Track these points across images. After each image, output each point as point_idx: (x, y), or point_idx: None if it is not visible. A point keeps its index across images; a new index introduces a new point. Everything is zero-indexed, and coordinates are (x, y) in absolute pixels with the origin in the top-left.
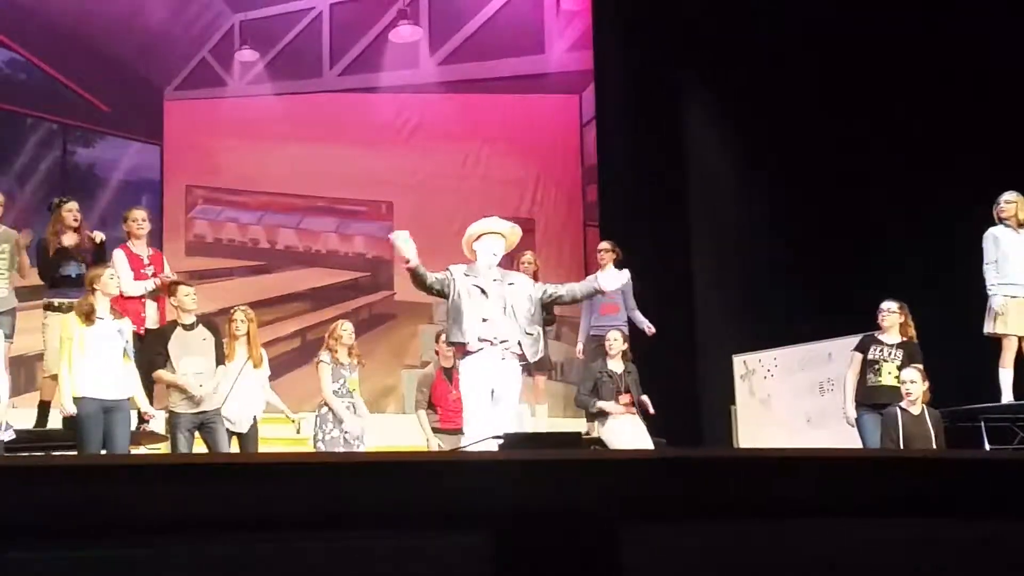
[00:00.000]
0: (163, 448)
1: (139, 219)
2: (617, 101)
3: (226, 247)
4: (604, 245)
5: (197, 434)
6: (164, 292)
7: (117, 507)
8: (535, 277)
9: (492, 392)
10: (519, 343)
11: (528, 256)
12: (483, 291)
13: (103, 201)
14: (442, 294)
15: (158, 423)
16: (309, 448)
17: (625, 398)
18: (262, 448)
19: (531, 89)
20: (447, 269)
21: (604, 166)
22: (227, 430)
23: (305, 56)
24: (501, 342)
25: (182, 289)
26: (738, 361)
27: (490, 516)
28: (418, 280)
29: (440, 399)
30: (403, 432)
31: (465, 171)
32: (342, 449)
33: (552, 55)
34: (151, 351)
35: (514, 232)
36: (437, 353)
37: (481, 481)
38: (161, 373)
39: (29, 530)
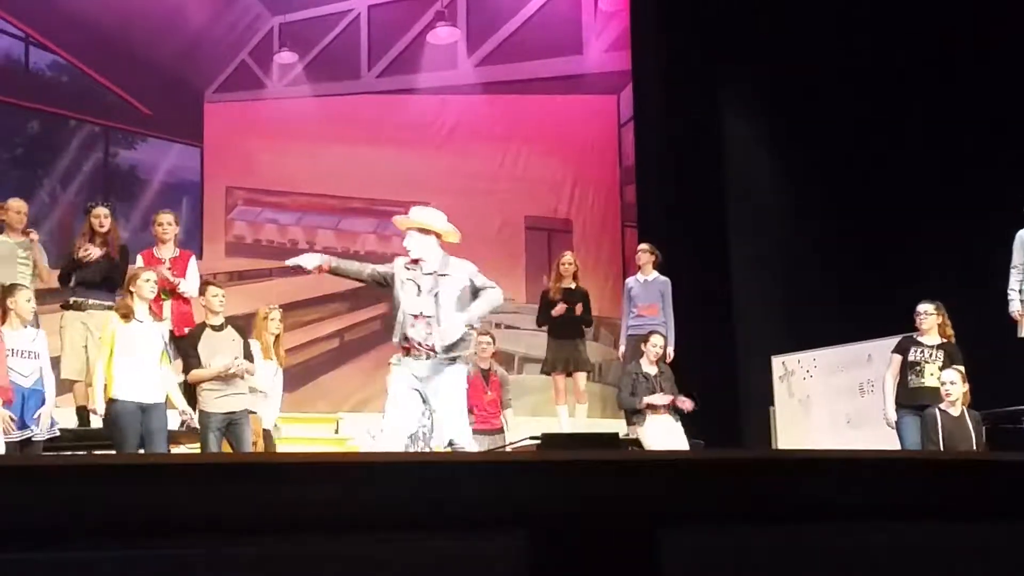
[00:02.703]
0: (199, 447)
1: (163, 223)
2: (655, 101)
3: (265, 248)
4: (643, 247)
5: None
6: (171, 297)
7: (148, 507)
8: (575, 278)
9: (423, 396)
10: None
11: (568, 257)
12: (418, 286)
13: (144, 202)
14: (382, 284)
15: (193, 422)
16: (350, 448)
17: (660, 399)
18: (299, 448)
19: (569, 90)
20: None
21: (642, 166)
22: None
23: (343, 58)
24: (429, 346)
25: (210, 290)
26: (777, 362)
27: (526, 517)
28: (342, 274)
29: (476, 400)
30: None
31: (503, 172)
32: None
33: (590, 56)
34: (183, 353)
35: (446, 230)
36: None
37: (517, 482)
38: (196, 372)
39: (53, 531)
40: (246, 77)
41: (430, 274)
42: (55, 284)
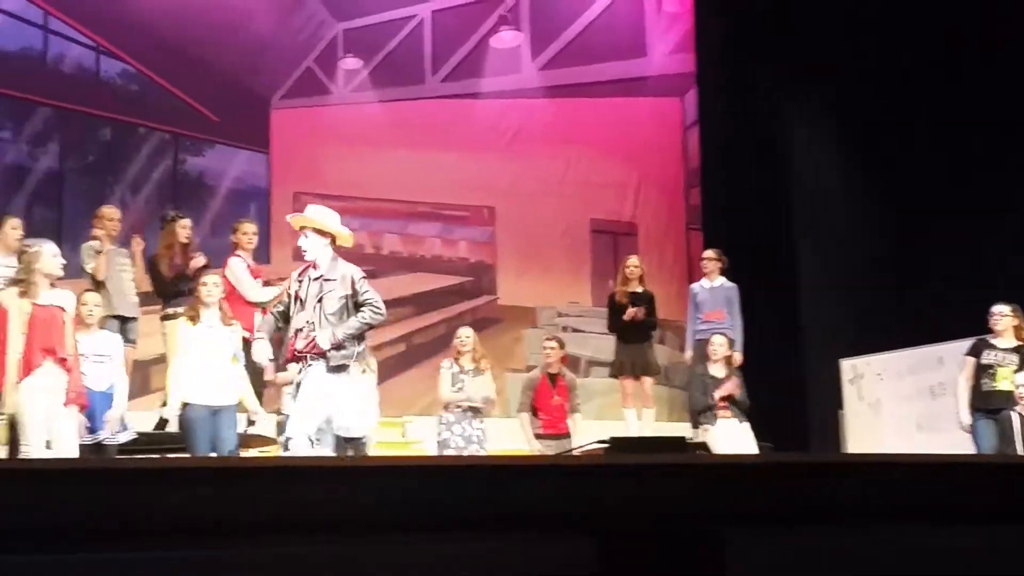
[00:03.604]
0: (272, 450)
1: (250, 232)
2: (720, 103)
3: None
4: (709, 254)
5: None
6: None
7: (208, 509)
8: (640, 281)
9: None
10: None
11: (633, 260)
12: (300, 299)
13: (212, 209)
14: (288, 314)
15: (267, 426)
16: (416, 451)
17: (723, 390)
18: (369, 451)
19: (633, 92)
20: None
21: (707, 169)
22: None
23: (408, 63)
24: (308, 351)
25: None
26: (846, 365)
27: (593, 520)
28: (269, 333)
29: (543, 404)
30: (508, 436)
31: (567, 175)
32: (451, 451)
33: (654, 58)
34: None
35: (340, 233)
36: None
37: (585, 485)
38: (281, 375)
39: (121, 531)
40: (312, 83)
41: (317, 279)
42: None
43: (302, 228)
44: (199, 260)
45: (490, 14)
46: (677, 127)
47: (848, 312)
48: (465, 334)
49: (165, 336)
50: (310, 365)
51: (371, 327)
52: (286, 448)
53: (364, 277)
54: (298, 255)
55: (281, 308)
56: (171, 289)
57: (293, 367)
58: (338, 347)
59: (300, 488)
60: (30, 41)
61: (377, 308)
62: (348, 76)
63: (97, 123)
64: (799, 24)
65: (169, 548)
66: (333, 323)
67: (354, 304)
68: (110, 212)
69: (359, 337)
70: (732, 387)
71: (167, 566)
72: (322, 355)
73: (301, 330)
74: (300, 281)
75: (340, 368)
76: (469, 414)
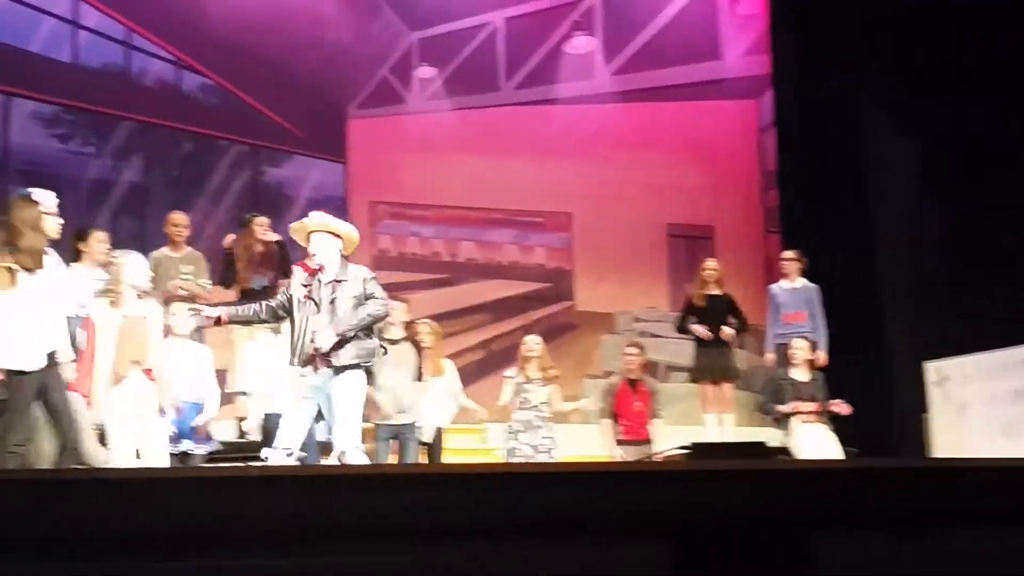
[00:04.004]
0: None
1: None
2: (796, 104)
3: (409, 261)
4: (788, 254)
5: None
6: None
7: (298, 515)
8: (719, 284)
9: (321, 410)
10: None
11: (711, 263)
12: (316, 304)
13: (291, 219)
14: (281, 315)
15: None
16: (497, 457)
17: (810, 406)
18: (449, 458)
19: (708, 95)
20: (288, 283)
21: (784, 171)
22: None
23: (482, 70)
24: (322, 358)
25: (391, 304)
26: (931, 368)
27: (674, 525)
28: (240, 321)
29: (624, 410)
30: (587, 443)
31: (643, 179)
32: (519, 459)
33: (728, 60)
34: None
35: (351, 235)
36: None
37: (666, 491)
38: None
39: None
40: (387, 93)
41: (329, 283)
42: (217, 299)
43: (310, 234)
44: (274, 236)
45: (563, 20)
46: (753, 129)
47: (932, 313)
48: (533, 341)
49: (230, 344)
50: (330, 368)
51: (377, 320)
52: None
53: (374, 277)
54: (376, 264)
55: (278, 308)
56: (242, 284)
57: (308, 369)
58: (340, 344)
59: (383, 496)
60: (113, 57)
61: (381, 301)
62: (423, 85)
63: (179, 136)
64: (877, 23)
65: (255, 555)
66: (344, 328)
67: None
68: (175, 218)
69: (369, 333)
70: (820, 402)
71: (252, 573)
72: (326, 357)
73: (317, 332)
74: (308, 285)
75: (355, 367)
76: (536, 423)
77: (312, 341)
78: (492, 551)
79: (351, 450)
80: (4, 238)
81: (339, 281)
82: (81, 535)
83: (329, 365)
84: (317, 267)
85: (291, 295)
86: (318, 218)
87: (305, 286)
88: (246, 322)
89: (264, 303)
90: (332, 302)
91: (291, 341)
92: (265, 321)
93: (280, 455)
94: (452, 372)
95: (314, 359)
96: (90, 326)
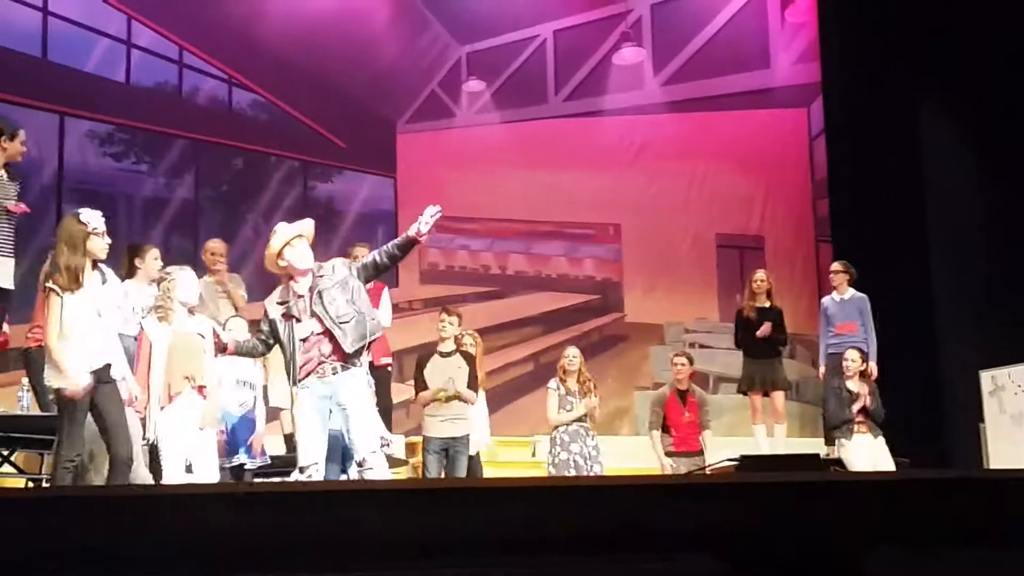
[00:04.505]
0: (402, 472)
1: (359, 256)
2: (847, 112)
3: (459, 274)
4: (836, 266)
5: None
6: None
7: (344, 531)
8: (768, 296)
9: (332, 413)
10: (338, 342)
11: (760, 274)
12: (295, 317)
13: (342, 233)
14: (271, 343)
15: (397, 447)
16: (543, 471)
17: (863, 417)
18: (499, 471)
19: (757, 104)
20: (264, 310)
21: (835, 179)
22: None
23: (530, 83)
24: (320, 362)
25: (440, 317)
26: (986, 376)
27: (725, 540)
28: (244, 353)
29: (674, 421)
30: (637, 454)
31: (692, 190)
32: (571, 471)
33: (778, 69)
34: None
35: (307, 226)
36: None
37: (717, 505)
38: (424, 395)
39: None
40: (436, 107)
41: (308, 288)
42: (256, 315)
43: (285, 245)
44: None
45: (612, 31)
46: (803, 138)
47: (987, 321)
48: (572, 353)
49: (267, 358)
50: (337, 373)
51: (398, 248)
52: (360, 470)
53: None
54: (426, 277)
55: (267, 338)
56: None
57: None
58: (389, 259)
59: (431, 511)
60: (165, 76)
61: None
62: (472, 98)
63: (230, 153)
64: (927, 28)
65: (304, 571)
66: (341, 315)
67: (359, 273)
68: (212, 246)
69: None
70: (867, 400)
71: None
72: (344, 360)
73: (307, 339)
74: (284, 302)
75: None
76: (582, 432)
77: (308, 352)
78: (537, 568)
79: (370, 456)
80: (52, 257)
81: (319, 276)
82: (135, 551)
83: (346, 360)
84: (303, 272)
85: (271, 320)
86: (289, 229)
87: (279, 304)
88: (248, 354)
89: (252, 338)
90: (321, 301)
91: (286, 364)
92: (263, 354)
93: (309, 475)
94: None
95: (322, 365)
96: (143, 342)
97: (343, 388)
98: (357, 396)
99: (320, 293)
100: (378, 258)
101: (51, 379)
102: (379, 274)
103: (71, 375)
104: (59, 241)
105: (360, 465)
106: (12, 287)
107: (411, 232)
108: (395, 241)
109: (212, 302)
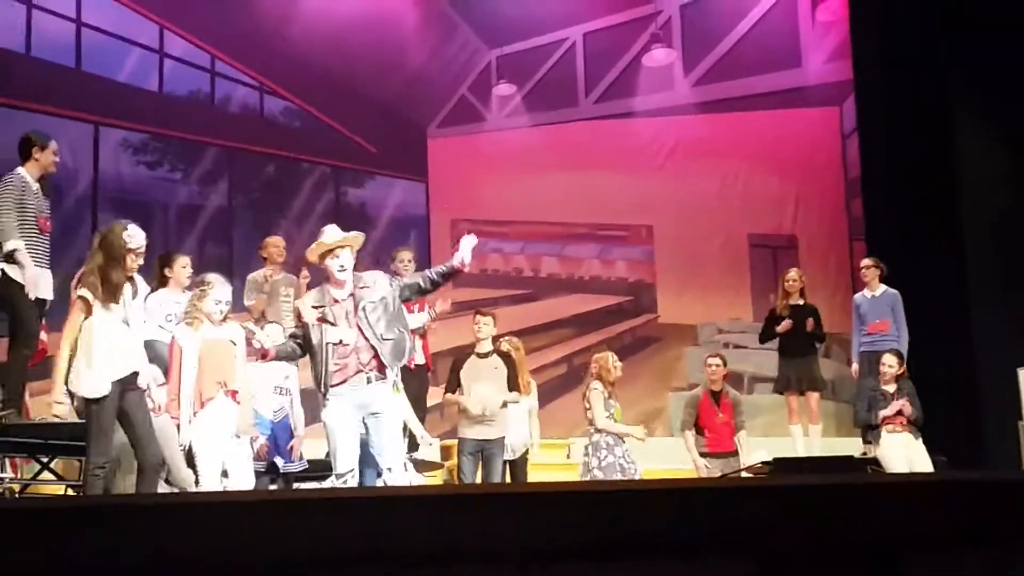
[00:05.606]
0: (437, 475)
1: (405, 260)
2: (880, 110)
3: (492, 277)
4: (866, 262)
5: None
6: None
7: (382, 537)
8: (801, 295)
9: (365, 423)
10: (378, 355)
11: (793, 273)
12: (334, 319)
13: (374, 239)
14: (304, 346)
15: (433, 450)
16: (578, 474)
17: (900, 416)
18: (534, 473)
19: (789, 104)
20: (297, 311)
21: (868, 178)
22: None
23: (561, 86)
24: (357, 371)
25: (476, 318)
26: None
27: (759, 543)
28: (284, 357)
29: (707, 422)
30: (671, 455)
31: (724, 190)
32: (618, 475)
33: (809, 68)
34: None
35: (357, 239)
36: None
37: (751, 507)
38: (449, 396)
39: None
40: (466, 111)
41: (349, 295)
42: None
43: (329, 252)
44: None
45: (641, 33)
46: (835, 137)
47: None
48: (614, 357)
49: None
50: (371, 383)
51: (445, 279)
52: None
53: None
54: (459, 281)
55: (300, 341)
56: None
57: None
58: (431, 285)
59: (467, 516)
60: (198, 84)
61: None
62: (502, 102)
63: (262, 160)
64: (959, 23)
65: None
66: (382, 331)
67: (401, 292)
68: (275, 241)
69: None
70: (903, 404)
71: None
72: (381, 370)
73: (339, 344)
74: (318, 308)
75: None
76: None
77: (345, 358)
78: (573, 571)
79: (397, 466)
80: (89, 263)
81: (362, 287)
82: (167, 560)
83: (383, 371)
84: (340, 282)
85: (305, 323)
86: (336, 233)
87: (315, 308)
88: (287, 358)
89: (290, 342)
90: (363, 309)
91: (314, 368)
92: (301, 356)
93: (345, 480)
94: (534, 392)
95: (359, 374)
96: (175, 349)
97: (378, 398)
98: (390, 407)
99: (364, 307)
100: (421, 283)
101: (73, 386)
102: (418, 297)
103: (96, 384)
104: (99, 249)
105: (389, 471)
106: (51, 297)
107: (455, 263)
108: (439, 269)
109: (274, 302)
